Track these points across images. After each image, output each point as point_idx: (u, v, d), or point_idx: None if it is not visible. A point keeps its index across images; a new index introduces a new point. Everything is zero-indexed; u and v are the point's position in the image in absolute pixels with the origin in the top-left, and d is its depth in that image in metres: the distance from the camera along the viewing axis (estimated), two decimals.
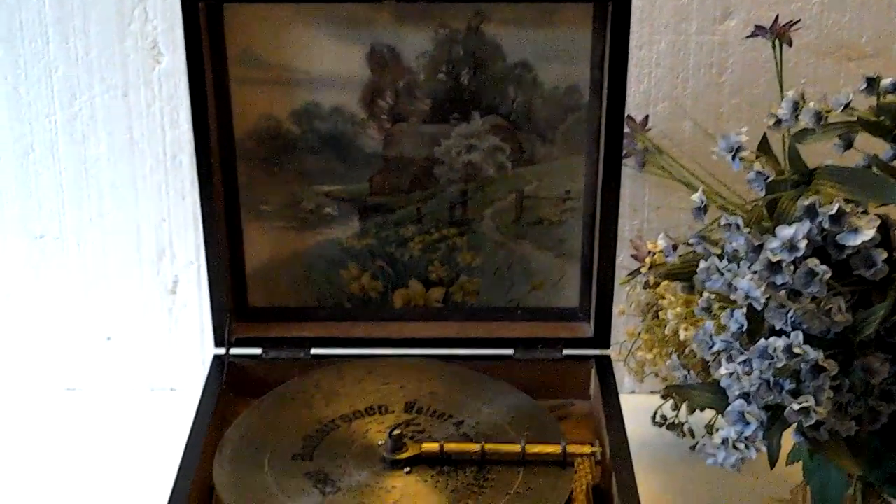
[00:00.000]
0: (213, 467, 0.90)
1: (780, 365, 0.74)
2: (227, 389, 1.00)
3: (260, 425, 0.95)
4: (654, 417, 1.12)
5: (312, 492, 0.87)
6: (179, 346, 1.21)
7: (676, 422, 1.12)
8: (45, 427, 1.17)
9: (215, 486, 0.88)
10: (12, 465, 1.12)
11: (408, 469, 0.89)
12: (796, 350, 0.74)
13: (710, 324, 0.80)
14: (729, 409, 0.77)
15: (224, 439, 0.93)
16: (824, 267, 0.73)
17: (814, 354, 0.74)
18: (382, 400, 0.97)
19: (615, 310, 1.02)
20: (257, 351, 1.03)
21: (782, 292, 0.74)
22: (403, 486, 0.88)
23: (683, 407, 1.11)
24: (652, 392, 1.15)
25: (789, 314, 0.75)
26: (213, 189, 0.98)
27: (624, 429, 0.93)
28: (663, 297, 0.99)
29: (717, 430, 1.08)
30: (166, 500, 0.86)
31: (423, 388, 0.98)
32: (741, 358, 0.76)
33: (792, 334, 0.74)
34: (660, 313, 1.00)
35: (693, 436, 1.12)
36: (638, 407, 1.12)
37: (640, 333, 1.04)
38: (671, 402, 1.11)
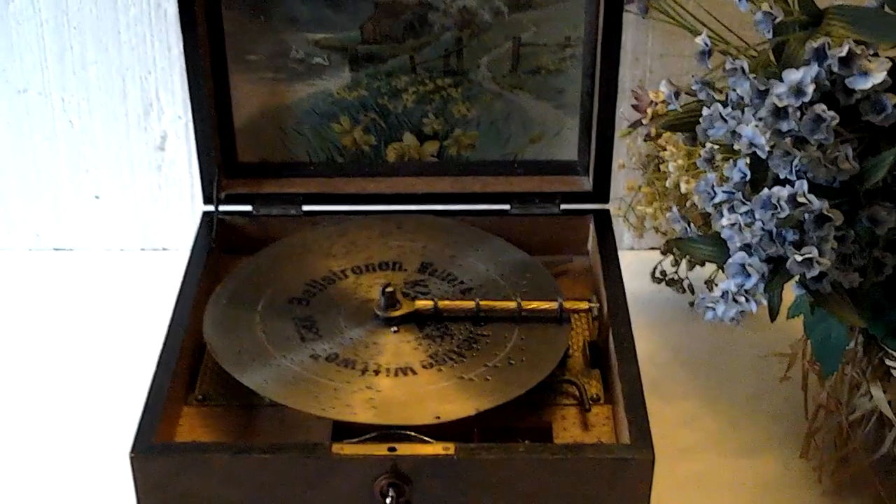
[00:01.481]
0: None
1: (783, 215, 0.73)
2: (218, 248, 0.98)
3: (270, 266, 0.94)
4: (653, 273, 1.11)
5: (293, 336, 0.86)
6: (169, 205, 1.19)
7: (676, 277, 1.11)
8: (33, 289, 1.16)
9: (204, 318, 0.87)
10: (1, 329, 1.11)
11: (395, 328, 0.88)
12: (801, 199, 0.72)
13: (712, 175, 0.78)
14: (730, 261, 0.75)
15: (230, 275, 0.93)
16: (832, 112, 0.70)
17: (818, 204, 0.72)
18: (400, 257, 0.95)
19: (615, 163, 0.99)
20: (248, 208, 1.01)
21: (788, 139, 0.71)
22: (384, 344, 0.86)
23: (683, 262, 1.10)
24: (651, 248, 1.14)
25: (794, 162, 0.73)
26: (198, 38, 0.94)
27: (622, 284, 0.91)
28: (664, 149, 0.97)
29: (717, 285, 1.07)
30: (156, 359, 0.84)
31: (446, 250, 0.96)
32: (743, 208, 0.75)
33: (796, 183, 0.73)
34: (661, 166, 0.99)
35: (692, 292, 1.11)
36: (637, 263, 1.11)
37: (640, 187, 1.02)
38: (671, 257, 1.09)
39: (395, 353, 0.86)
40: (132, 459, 0.76)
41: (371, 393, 0.82)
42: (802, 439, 0.94)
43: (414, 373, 0.84)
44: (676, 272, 1.11)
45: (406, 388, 0.82)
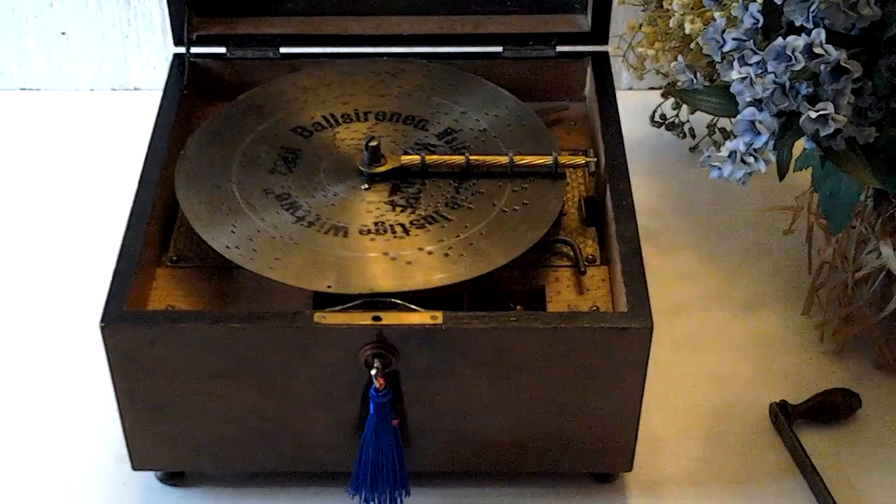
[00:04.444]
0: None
1: (797, 67, 0.70)
2: (191, 92, 0.93)
3: (289, 94, 0.89)
4: (652, 117, 1.06)
5: (262, 165, 0.83)
6: (141, 42, 1.13)
7: (676, 121, 1.06)
8: None
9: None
10: None
11: (366, 186, 0.82)
12: (817, 50, 0.69)
13: (720, 18, 0.72)
14: (738, 117, 0.71)
15: (240, 99, 0.89)
16: None
17: (836, 54, 0.69)
18: (432, 117, 0.88)
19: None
20: (221, 50, 0.94)
21: None
22: (344, 198, 0.81)
23: (684, 106, 1.04)
24: (651, 88, 1.08)
25: (811, 8, 0.69)
26: None
27: (621, 135, 0.85)
28: None
29: (719, 130, 1.02)
30: (128, 213, 0.80)
31: (480, 122, 0.88)
32: (755, 59, 0.71)
33: (813, 32, 0.69)
34: (664, 3, 0.92)
35: (693, 136, 1.06)
36: (635, 105, 1.06)
37: (640, 26, 0.96)
38: (671, 100, 1.04)
39: (344, 211, 0.80)
40: (102, 330, 0.72)
41: (289, 245, 0.77)
42: (805, 296, 0.91)
43: (346, 235, 0.79)
44: (677, 116, 1.05)
45: (328, 250, 0.77)
